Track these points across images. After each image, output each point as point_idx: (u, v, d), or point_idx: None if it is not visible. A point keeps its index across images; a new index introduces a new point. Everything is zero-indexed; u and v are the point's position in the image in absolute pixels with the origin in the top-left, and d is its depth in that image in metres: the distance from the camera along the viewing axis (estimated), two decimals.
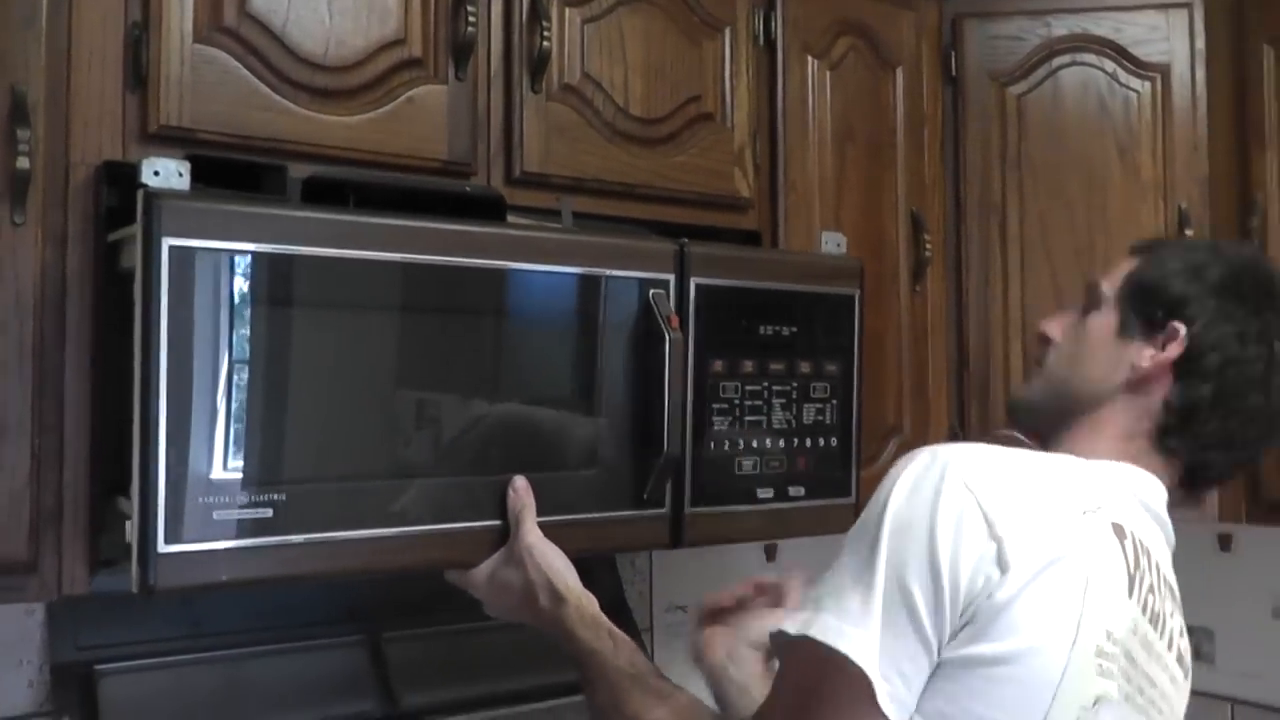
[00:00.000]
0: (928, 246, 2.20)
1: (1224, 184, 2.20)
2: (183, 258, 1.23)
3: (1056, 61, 2.25)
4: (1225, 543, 2.52)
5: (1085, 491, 1.14)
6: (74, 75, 1.42)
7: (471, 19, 1.64)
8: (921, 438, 2.19)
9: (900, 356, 2.19)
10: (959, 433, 2.25)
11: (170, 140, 1.45)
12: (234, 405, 1.28)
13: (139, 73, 1.45)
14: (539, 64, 1.72)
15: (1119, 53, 2.23)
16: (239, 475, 1.27)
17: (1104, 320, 1.31)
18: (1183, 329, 1.23)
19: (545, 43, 1.71)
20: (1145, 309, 1.27)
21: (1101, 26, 2.24)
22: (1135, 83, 2.23)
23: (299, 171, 1.47)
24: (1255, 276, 1.27)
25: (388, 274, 1.38)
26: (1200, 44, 2.21)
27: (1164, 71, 2.22)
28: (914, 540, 1.04)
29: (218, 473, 1.26)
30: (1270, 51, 2.12)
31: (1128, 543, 1.13)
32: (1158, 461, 1.25)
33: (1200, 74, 2.22)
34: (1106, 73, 2.23)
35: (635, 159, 1.83)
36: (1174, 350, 1.23)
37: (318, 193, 1.46)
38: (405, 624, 1.92)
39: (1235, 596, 2.52)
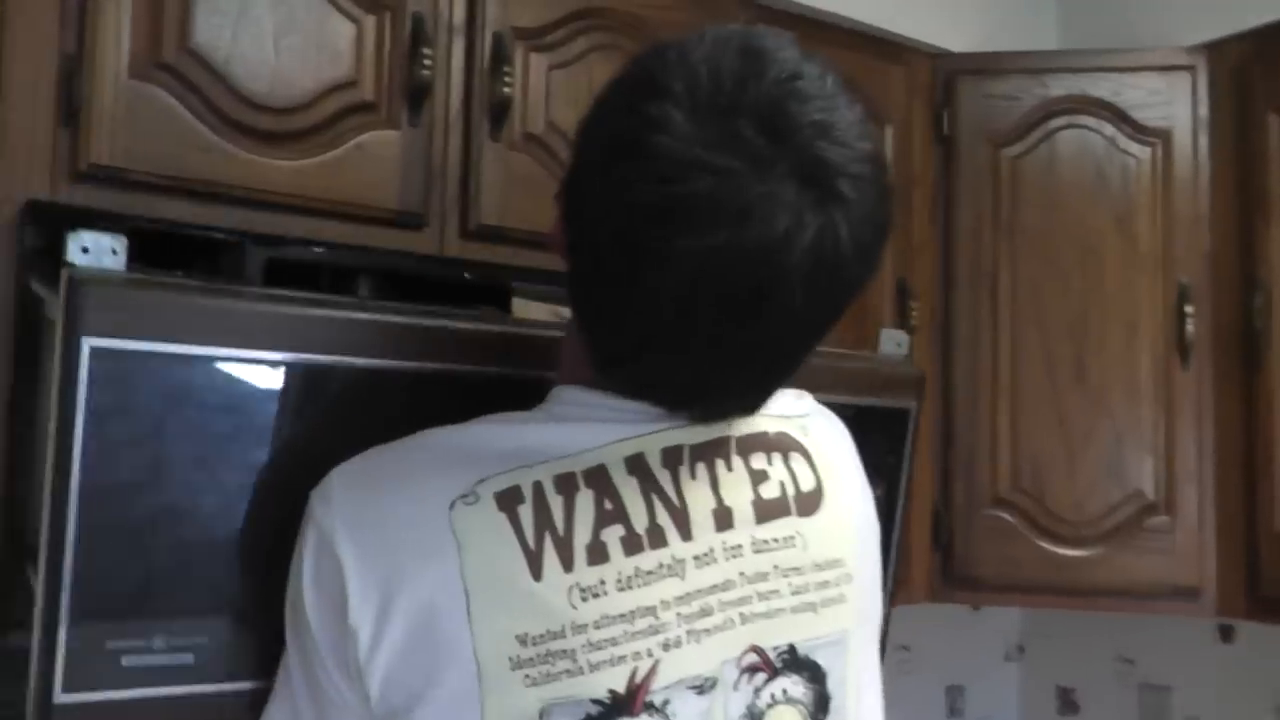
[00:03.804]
0: (913, 314, 2.13)
1: (1226, 259, 2.11)
2: (107, 362, 1.01)
3: (1053, 123, 2.18)
4: (1227, 635, 2.43)
5: (467, 475, 0.93)
6: (4, 109, 1.36)
7: (428, 63, 1.58)
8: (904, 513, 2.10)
9: None
10: (943, 512, 2.17)
11: (100, 180, 1.40)
12: (157, 533, 1.09)
13: (71, 108, 1.39)
14: (500, 111, 1.65)
15: (1118, 116, 2.16)
16: (157, 614, 1.09)
17: None
18: (559, 218, 0.98)
19: (507, 89, 1.65)
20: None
21: (1100, 88, 2.17)
22: (1135, 148, 2.15)
23: (244, 221, 1.39)
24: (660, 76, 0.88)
25: (361, 382, 1.15)
26: (1203, 110, 2.14)
27: (1165, 137, 2.15)
28: (298, 612, 0.95)
29: (132, 611, 1.08)
30: (1276, 121, 2.04)
31: (525, 507, 0.93)
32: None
33: (1203, 141, 2.14)
34: (1105, 136, 2.16)
35: None
36: (557, 235, 0.99)
37: (284, 270, 1.29)
38: None
39: (1237, 690, 2.42)
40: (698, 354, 0.92)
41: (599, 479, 0.95)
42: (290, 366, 1.10)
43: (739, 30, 0.91)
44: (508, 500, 0.93)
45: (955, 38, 2.27)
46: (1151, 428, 2.11)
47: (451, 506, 0.92)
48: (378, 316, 1.14)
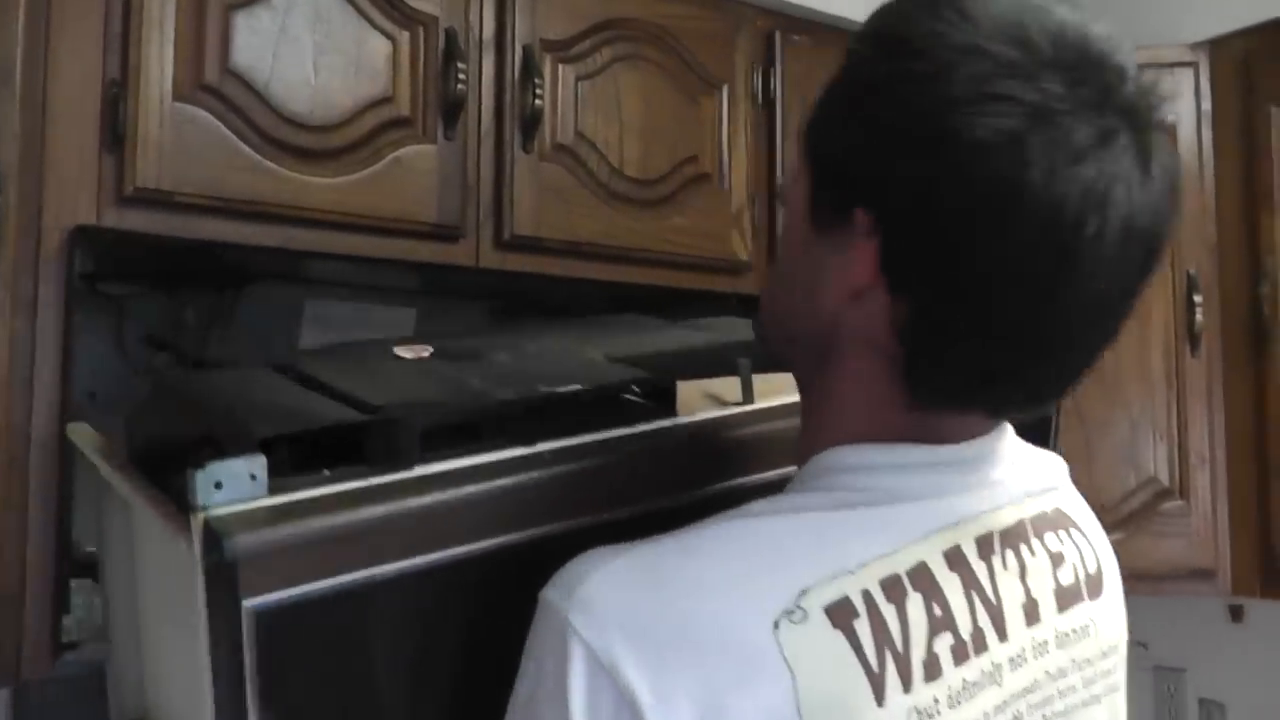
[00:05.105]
0: None
1: (1233, 250, 2.14)
2: (273, 619, 0.80)
3: None
4: (1237, 614, 2.44)
5: (783, 584, 0.77)
6: (49, 136, 1.36)
7: (461, 77, 1.59)
8: None
9: None
10: None
11: (146, 203, 1.41)
12: None
13: (116, 133, 1.39)
14: (531, 123, 1.66)
15: None
16: None
17: (794, 204, 0.86)
18: (864, 218, 0.79)
19: (538, 101, 1.66)
20: (823, 183, 0.83)
21: None
22: None
23: (286, 239, 1.40)
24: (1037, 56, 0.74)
25: (559, 547, 0.84)
26: (1206, 105, 2.17)
27: (1170, 132, 2.16)
28: None
29: None
30: (1278, 114, 2.06)
31: (860, 622, 0.77)
32: (932, 421, 0.84)
33: (1207, 135, 2.17)
34: None
35: (631, 221, 1.77)
36: (861, 259, 0.79)
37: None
38: None
39: (1249, 668, 2.43)
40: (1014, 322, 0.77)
41: (924, 580, 0.81)
42: (485, 556, 0.89)
43: None
44: (841, 615, 0.77)
45: None
46: (1164, 415, 2.14)
47: (776, 626, 0.75)
48: (572, 466, 0.94)
